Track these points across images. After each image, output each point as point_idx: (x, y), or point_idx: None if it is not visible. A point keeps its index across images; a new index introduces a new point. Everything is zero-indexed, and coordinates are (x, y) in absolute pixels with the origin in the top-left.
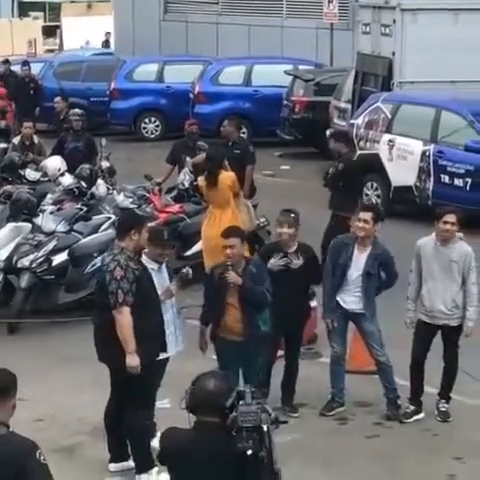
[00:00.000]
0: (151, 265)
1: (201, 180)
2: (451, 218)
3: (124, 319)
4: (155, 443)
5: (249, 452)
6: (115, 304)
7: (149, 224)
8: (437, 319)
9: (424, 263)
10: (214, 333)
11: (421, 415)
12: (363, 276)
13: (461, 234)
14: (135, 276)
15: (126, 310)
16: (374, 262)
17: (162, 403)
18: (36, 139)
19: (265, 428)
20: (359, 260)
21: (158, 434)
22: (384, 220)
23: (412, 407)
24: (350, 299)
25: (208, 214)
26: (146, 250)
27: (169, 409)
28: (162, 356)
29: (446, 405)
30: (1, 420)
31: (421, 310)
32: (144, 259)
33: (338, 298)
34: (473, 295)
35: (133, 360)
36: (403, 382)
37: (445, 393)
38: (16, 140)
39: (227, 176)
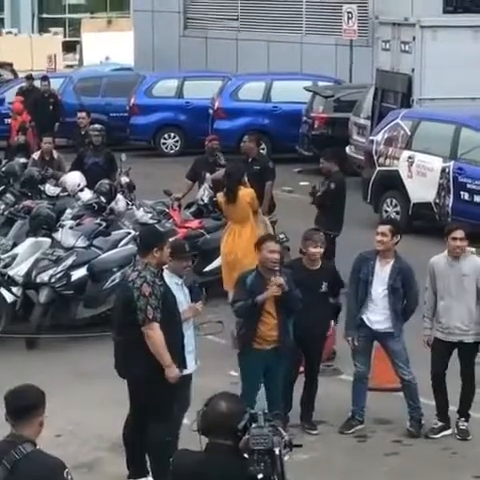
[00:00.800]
0: (175, 279)
1: (220, 196)
2: (459, 234)
3: (156, 335)
4: None
5: (260, 476)
6: (144, 321)
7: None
8: (453, 336)
9: (438, 280)
10: (248, 343)
11: (449, 431)
12: (388, 291)
13: (473, 249)
14: (161, 292)
15: (156, 326)
16: (397, 276)
17: None
18: (55, 154)
19: (277, 451)
20: (382, 274)
21: None
22: (401, 235)
23: (440, 423)
24: (376, 318)
25: (227, 230)
26: (168, 265)
27: (186, 424)
28: (184, 372)
29: (465, 423)
30: (27, 437)
31: (437, 327)
32: (167, 274)
33: (363, 317)
34: None
35: (172, 372)
36: (425, 400)
37: (464, 411)
38: (36, 155)
39: (246, 193)
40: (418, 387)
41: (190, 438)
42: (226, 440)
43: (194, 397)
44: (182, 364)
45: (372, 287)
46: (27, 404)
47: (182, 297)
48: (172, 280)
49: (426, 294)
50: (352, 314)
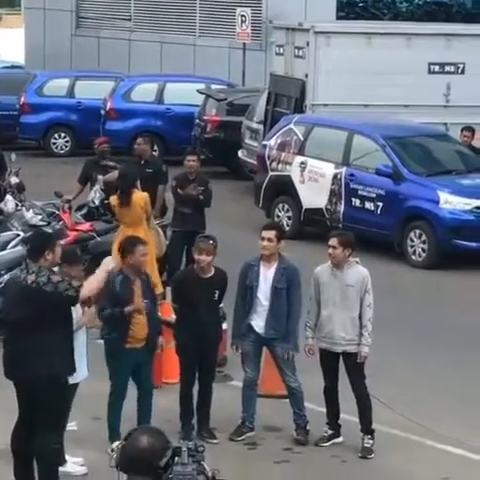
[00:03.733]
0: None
1: (113, 199)
2: (332, 242)
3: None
4: (66, 468)
5: None
6: (77, 297)
7: (59, 242)
8: (337, 346)
9: (322, 290)
10: (120, 346)
11: (340, 439)
12: (272, 292)
13: (357, 258)
14: None
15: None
16: (281, 277)
17: (70, 425)
18: None
19: None
20: (267, 277)
21: (67, 458)
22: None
23: (330, 431)
24: (263, 323)
25: (120, 233)
26: (62, 272)
27: (76, 432)
28: (77, 378)
29: (371, 441)
30: None
31: (320, 338)
32: None
33: (252, 322)
34: (368, 319)
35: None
36: (314, 406)
37: (366, 428)
38: None
39: (140, 196)
40: (307, 394)
41: (81, 443)
42: (146, 478)
43: (84, 402)
44: (72, 370)
45: (258, 292)
46: None
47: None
48: None
49: (309, 304)
50: (238, 322)
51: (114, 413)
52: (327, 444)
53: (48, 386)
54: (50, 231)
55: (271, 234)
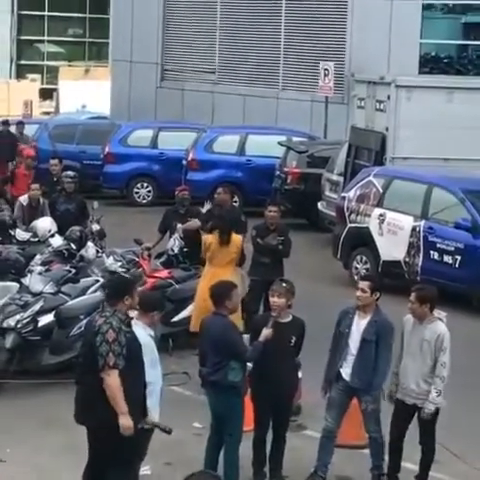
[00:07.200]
0: (149, 331)
1: (212, 237)
2: (411, 296)
3: (114, 381)
4: None
5: None
6: (104, 366)
7: (140, 289)
8: (409, 398)
9: (405, 339)
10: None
11: None
12: (360, 343)
13: (444, 314)
14: (127, 339)
15: (115, 373)
16: (371, 329)
17: (143, 470)
18: (42, 200)
19: None
20: (360, 327)
21: None
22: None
23: None
24: (350, 371)
25: (208, 274)
26: (143, 318)
27: (150, 476)
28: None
29: None
30: None
31: (399, 387)
32: (141, 326)
33: (341, 370)
34: (438, 376)
35: (127, 421)
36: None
37: (422, 478)
38: (24, 201)
39: (238, 238)
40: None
41: None
42: None
43: (158, 447)
44: (143, 414)
45: (349, 339)
46: None
47: (154, 349)
48: (146, 332)
49: (396, 351)
50: (330, 367)
51: (238, 463)
52: None
53: (117, 431)
54: (128, 276)
55: (364, 285)
